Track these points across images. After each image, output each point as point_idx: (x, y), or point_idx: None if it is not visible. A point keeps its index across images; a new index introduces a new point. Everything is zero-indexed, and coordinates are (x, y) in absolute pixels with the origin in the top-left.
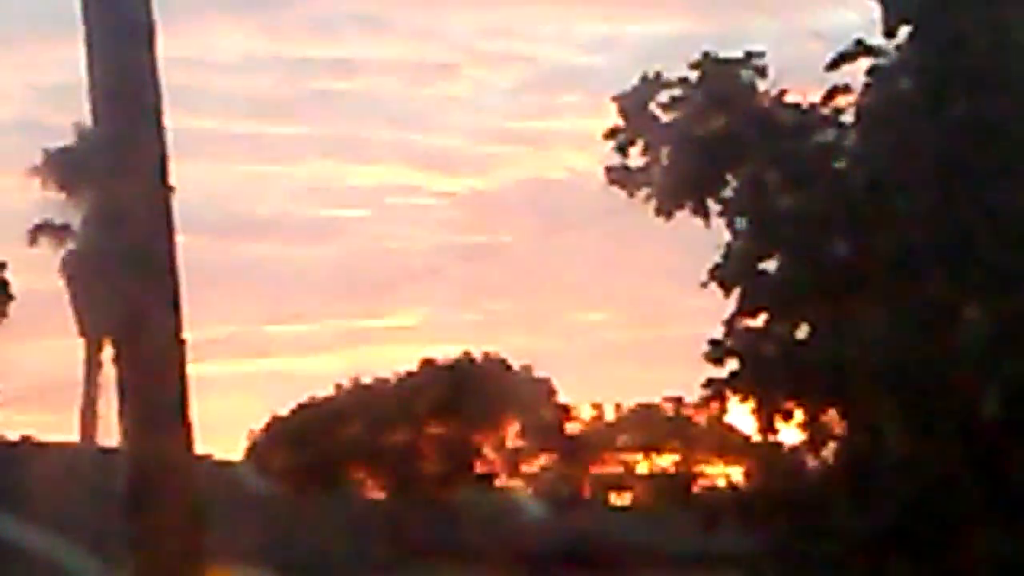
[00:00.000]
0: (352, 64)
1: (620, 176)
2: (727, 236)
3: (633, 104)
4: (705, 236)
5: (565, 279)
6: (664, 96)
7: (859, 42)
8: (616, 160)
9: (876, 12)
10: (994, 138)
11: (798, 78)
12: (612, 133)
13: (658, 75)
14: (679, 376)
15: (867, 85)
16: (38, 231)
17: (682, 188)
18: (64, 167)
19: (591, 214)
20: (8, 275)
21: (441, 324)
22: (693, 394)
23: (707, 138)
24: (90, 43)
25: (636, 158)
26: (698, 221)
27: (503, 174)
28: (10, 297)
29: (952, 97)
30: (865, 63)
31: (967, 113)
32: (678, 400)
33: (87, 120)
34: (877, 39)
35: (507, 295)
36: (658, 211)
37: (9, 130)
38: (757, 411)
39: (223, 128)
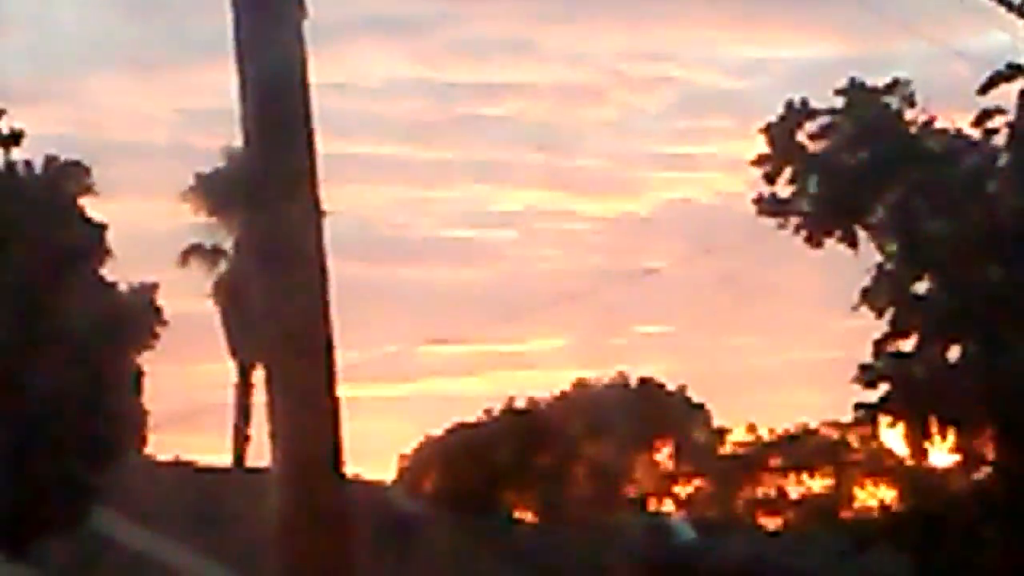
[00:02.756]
0: (500, 88)
1: (769, 206)
2: (876, 259)
3: (780, 133)
4: (855, 260)
5: (716, 303)
6: (811, 125)
7: (1011, 64)
8: (764, 189)
9: None
10: None
11: (946, 101)
12: (760, 161)
13: (804, 103)
14: (831, 400)
15: (1020, 107)
16: (189, 254)
17: (830, 217)
18: (214, 191)
19: (741, 237)
20: (160, 299)
21: (589, 348)
22: (846, 416)
23: (855, 167)
24: (242, 69)
25: (784, 187)
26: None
27: (652, 198)
28: (163, 322)
29: None
30: (1018, 85)
31: None
32: (833, 423)
33: (236, 143)
34: None
35: (657, 320)
36: (807, 240)
37: (159, 155)
38: (908, 434)
39: (373, 152)
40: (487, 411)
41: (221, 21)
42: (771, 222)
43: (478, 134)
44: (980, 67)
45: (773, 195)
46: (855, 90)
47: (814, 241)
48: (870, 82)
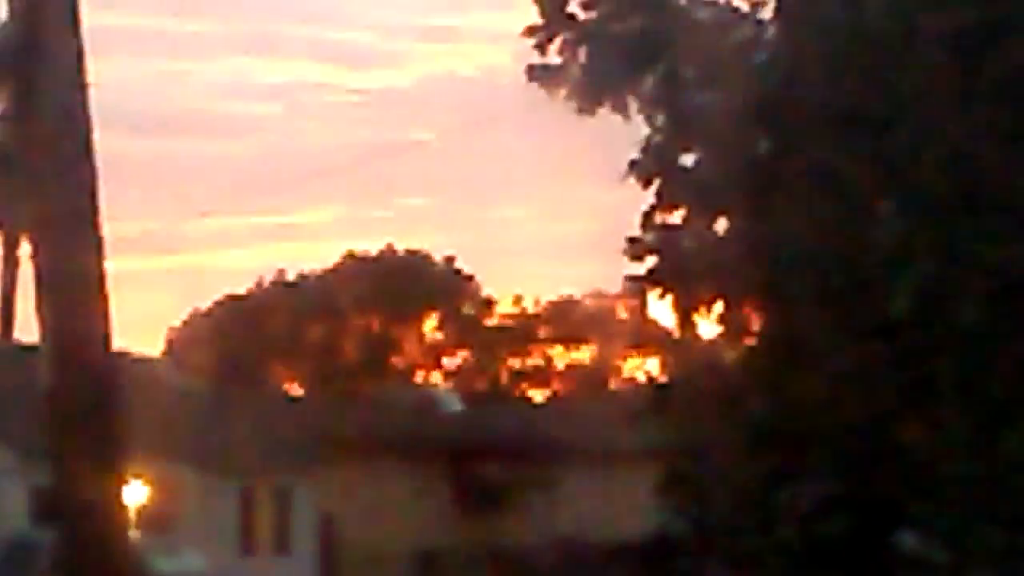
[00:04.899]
0: None
1: (540, 75)
2: (645, 131)
3: (551, 2)
4: (621, 131)
5: (482, 176)
6: None
7: None
8: (535, 58)
9: None
10: (912, 26)
11: None
12: (531, 31)
13: None
14: (599, 271)
15: None
16: None
17: (601, 86)
18: None
19: (505, 111)
20: None
21: (356, 221)
22: (614, 288)
23: (625, 36)
24: None
25: (555, 56)
26: (617, 117)
27: (416, 70)
28: None
29: None
30: None
31: (884, 4)
32: (598, 294)
33: (1, 17)
34: None
35: (423, 192)
36: (579, 110)
37: None
38: (676, 305)
39: (135, 25)
40: (257, 283)
41: None
42: (539, 94)
43: (241, 6)
44: None
45: (544, 64)
46: None
47: (585, 110)
48: None
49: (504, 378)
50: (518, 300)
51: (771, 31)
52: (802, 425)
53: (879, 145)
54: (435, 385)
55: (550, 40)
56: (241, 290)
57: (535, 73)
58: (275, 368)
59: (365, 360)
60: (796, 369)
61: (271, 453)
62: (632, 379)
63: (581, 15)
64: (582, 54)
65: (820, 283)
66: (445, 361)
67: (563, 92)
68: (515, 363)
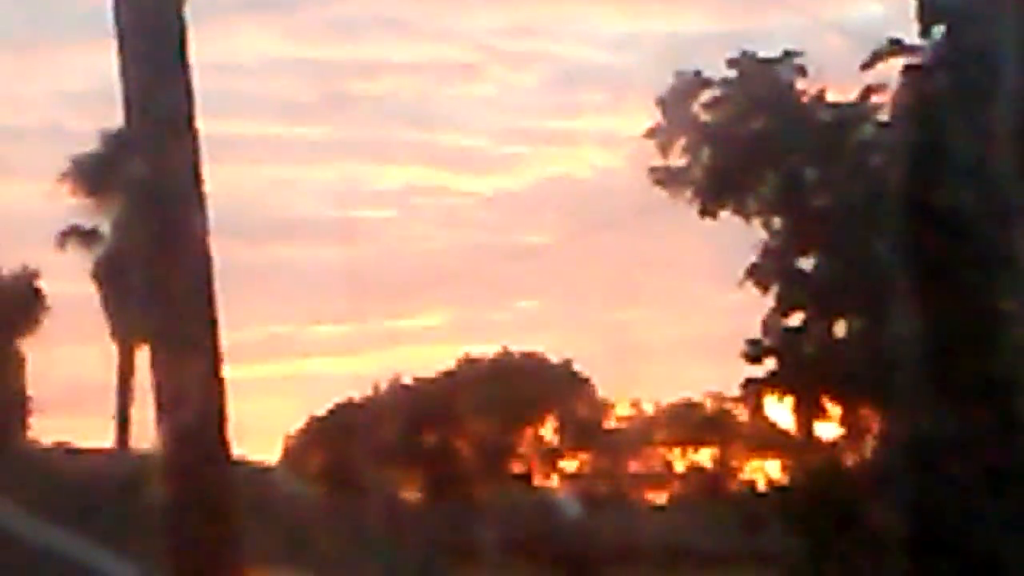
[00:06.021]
0: (375, 65)
1: (663, 176)
2: (763, 235)
3: (674, 104)
4: (737, 234)
5: (596, 277)
6: (705, 96)
7: (893, 41)
8: (648, 161)
9: (902, 5)
10: None
11: (830, 74)
12: (653, 132)
13: (698, 74)
14: (717, 373)
15: (903, 83)
16: (67, 236)
17: (722, 188)
18: (92, 172)
19: (617, 212)
20: (40, 283)
21: (472, 324)
22: (732, 390)
23: (748, 137)
24: (122, 47)
25: (678, 158)
26: (734, 219)
27: (529, 173)
28: (45, 308)
29: (985, 96)
30: (899, 61)
31: (1001, 112)
32: (717, 396)
33: (112, 126)
34: (908, 34)
35: (538, 294)
36: (701, 211)
37: (35, 136)
38: (796, 408)
39: (248, 131)
40: (374, 389)
41: (99, 1)
42: (654, 196)
43: (353, 112)
44: (856, 41)
45: (667, 166)
46: (746, 61)
47: (707, 212)
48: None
49: (623, 481)
50: (636, 403)
51: (889, 133)
52: (927, 530)
53: (1001, 246)
54: (554, 489)
55: (672, 142)
56: (357, 395)
57: (658, 174)
58: (392, 474)
59: (482, 464)
60: (920, 472)
61: (390, 559)
62: (752, 482)
63: (703, 116)
64: (705, 155)
65: (943, 385)
66: (563, 464)
67: (687, 193)
68: (633, 466)
